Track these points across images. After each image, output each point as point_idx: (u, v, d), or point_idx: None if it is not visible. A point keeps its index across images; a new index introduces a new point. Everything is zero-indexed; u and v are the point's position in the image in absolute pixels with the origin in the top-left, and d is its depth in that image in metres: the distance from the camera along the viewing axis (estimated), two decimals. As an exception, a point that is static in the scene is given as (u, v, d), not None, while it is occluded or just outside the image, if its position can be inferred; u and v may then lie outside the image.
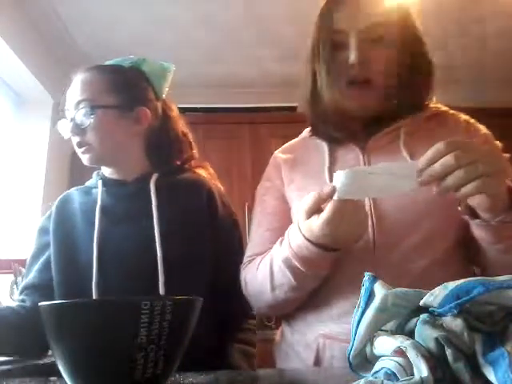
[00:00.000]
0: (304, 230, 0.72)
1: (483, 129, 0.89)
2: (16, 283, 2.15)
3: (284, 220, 0.89)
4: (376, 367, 0.43)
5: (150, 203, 0.98)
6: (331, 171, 0.86)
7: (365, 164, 0.86)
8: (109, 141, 1.00)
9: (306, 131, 1.00)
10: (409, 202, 0.78)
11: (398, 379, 0.39)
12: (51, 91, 2.87)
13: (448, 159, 0.61)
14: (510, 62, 3.12)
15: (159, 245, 0.93)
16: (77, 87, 1.01)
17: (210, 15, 2.68)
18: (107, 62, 1.09)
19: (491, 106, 2.95)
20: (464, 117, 0.92)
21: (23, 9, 2.52)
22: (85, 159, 1.02)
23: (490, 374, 0.36)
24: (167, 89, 1.13)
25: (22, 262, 2.18)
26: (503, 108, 2.97)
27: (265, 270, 0.83)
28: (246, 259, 0.92)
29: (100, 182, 1.05)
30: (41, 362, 0.90)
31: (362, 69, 0.83)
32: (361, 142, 0.88)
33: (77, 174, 3.03)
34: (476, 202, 0.65)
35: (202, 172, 1.09)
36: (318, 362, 0.78)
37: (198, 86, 3.14)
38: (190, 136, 1.14)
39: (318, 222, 0.69)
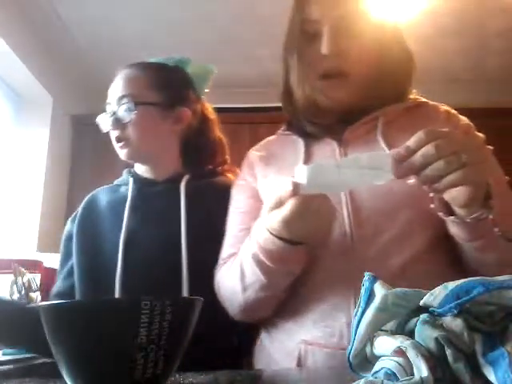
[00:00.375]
0: (267, 224, 0.69)
1: (465, 119, 0.86)
2: (16, 283, 2.15)
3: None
4: (376, 367, 0.43)
5: (179, 204, 0.98)
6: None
7: (341, 156, 0.82)
8: (148, 137, 1.00)
9: (282, 128, 0.97)
10: (386, 190, 0.74)
11: (398, 379, 0.39)
12: (51, 91, 2.87)
13: (429, 149, 0.58)
14: (511, 62, 3.12)
15: (185, 246, 0.93)
16: (120, 82, 1.01)
17: (210, 15, 2.68)
18: (151, 60, 1.09)
19: (491, 107, 2.95)
20: (444, 107, 0.88)
21: (23, 9, 2.52)
22: (122, 154, 1.02)
23: (489, 373, 0.36)
24: (207, 90, 1.13)
25: (22, 262, 2.18)
26: (503, 108, 2.97)
27: (236, 270, 0.79)
28: (220, 261, 0.88)
29: (131, 180, 1.05)
30: (40, 361, 0.90)
31: (335, 60, 0.79)
32: (337, 134, 0.84)
33: (77, 174, 3.03)
34: (453, 195, 0.61)
35: (231, 176, 1.10)
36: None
37: (198, 86, 3.14)
38: (225, 140, 1.15)
39: (277, 218, 0.66)
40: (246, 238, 0.79)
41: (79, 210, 1.07)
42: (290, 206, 0.63)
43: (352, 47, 0.79)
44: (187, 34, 2.84)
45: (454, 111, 0.88)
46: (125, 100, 0.98)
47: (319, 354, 0.73)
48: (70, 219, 1.09)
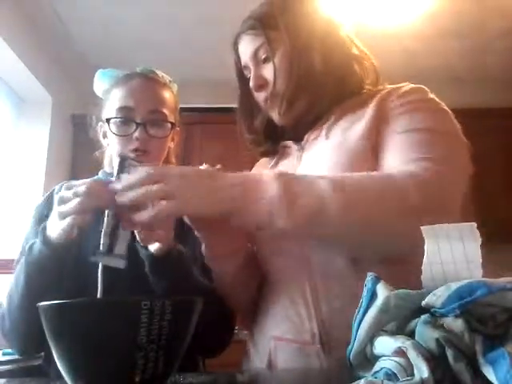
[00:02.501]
0: None
1: (408, 85, 0.83)
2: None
3: None
4: (376, 367, 0.42)
5: None
6: None
7: (297, 157, 0.87)
8: (164, 154, 1.05)
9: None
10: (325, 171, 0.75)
11: (398, 379, 0.39)
12: (51, 91, 2.87)
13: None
14: (511, 62, 3.12)
15: None
16: (151, 95, 1.01)
17: (210, 15, 2.68)
18: (163, 76, 1.09)
19: (492, 107, 2.95)
20: (389, 87, 0.85)
21: (23, 9, 2.52)
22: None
23: (490, 374, 0.36)
24: None
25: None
26: (504, 108, 2.97)
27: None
28: None
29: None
30: (40, 361, 0.90)
31: (262, 91, 0.88)
32: (300, 140, 0.90)
33: (77, 174, 3.03)
34: None
35: None
36: (270, 366, 0.76)
37: (198, 86, 3.14)
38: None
39: None
40: None
41: (54, 195, 1.00)
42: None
43: (269, 72, 0.86)
44: (187, 34, 2.84)
45: (399, 85, 0.84)
46: (159, 116, 0.99)
47: (288, 351, 0.74)
48: (39, 203, 1.08)
